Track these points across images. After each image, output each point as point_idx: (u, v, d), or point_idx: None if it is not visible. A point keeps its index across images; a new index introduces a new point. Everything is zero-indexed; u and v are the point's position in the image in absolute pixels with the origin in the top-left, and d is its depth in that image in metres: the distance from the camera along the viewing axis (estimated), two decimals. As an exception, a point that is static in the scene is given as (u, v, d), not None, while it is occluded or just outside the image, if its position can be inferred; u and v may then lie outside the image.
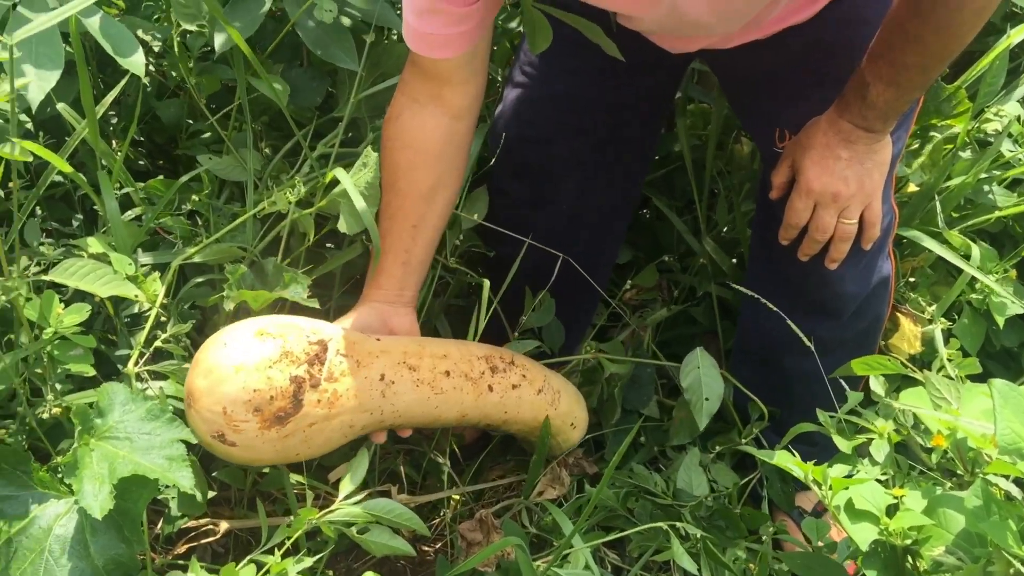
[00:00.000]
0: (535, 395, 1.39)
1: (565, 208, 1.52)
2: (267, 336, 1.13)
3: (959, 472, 1.08)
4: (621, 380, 1.62)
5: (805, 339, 1.25)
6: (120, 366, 1.26)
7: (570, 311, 1.60)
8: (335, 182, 1.31)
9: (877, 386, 1.24)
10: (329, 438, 1.17)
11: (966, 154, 1.61)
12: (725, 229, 1.78)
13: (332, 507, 1.19)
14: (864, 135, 1.24)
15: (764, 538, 1.28)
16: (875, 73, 1.18)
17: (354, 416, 1.19)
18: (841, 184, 1.26)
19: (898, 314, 1.69)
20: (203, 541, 1.33)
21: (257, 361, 1.10)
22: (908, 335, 1.69)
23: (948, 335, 1.59)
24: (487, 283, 1.42)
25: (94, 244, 1.19)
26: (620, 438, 1.60)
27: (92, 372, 1.13)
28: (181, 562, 1.28)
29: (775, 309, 1.28)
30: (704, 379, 1.44)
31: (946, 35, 1.12)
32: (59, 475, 1.08)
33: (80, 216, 1.41)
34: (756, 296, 1.29)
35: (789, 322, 1.26)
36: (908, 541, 0.97)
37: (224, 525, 1.32)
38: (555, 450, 1.50)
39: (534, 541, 1.45)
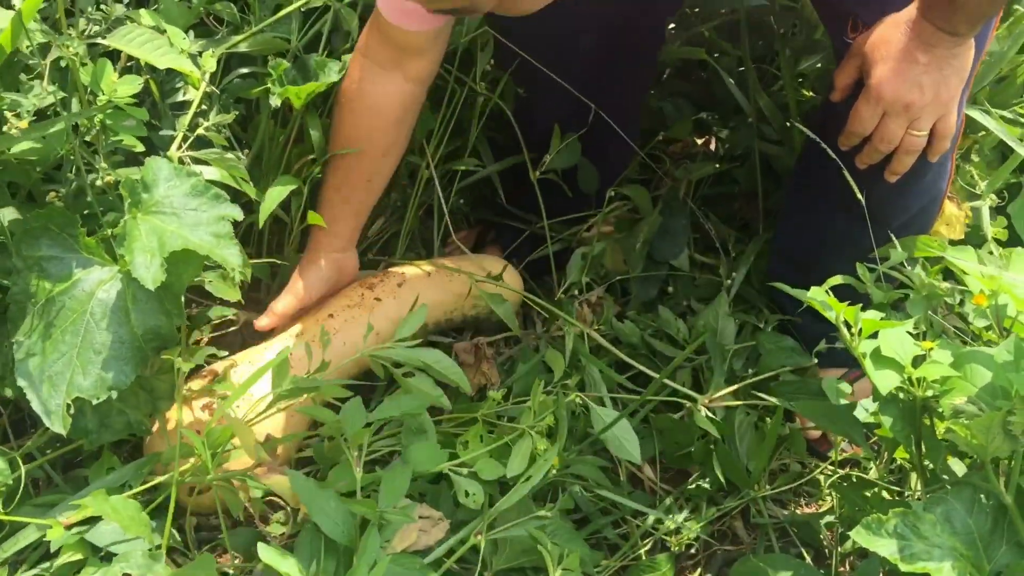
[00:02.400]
0: (431, 278, 1.46)
1: (588, 60, 1.47)
2: None
3: (993, 342, 1.08)
4: (650, 228, 1.61)
5: (858, 194, 1.19)
6: (162, 152, 1.25)
7: (599, 161, 1.59)
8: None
9: (918, 268, 1.21)
10: None
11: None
12: (783, 90, 1.72)
13: (387, 345, 1.19)
14: (947, 38, 1.13)
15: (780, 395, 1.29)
16: None
17: None
18: (916, 92, 1.15)
19: (944, 198, 1.65)
20: (228, 331, 1.37)
21: None
22: (951, 219, 1.65)
23: (996, 215, 1.55)
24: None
25: (147, 17, 1.16)
26: (646, 285, 1.60)
27: (141, 147, 1.13)
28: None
29: (834, 158, 1.21)
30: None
31: None
32: (102, 244, 1.09)
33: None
34: (816, 139, 1.22)
35: (847, 175, 1.19)
36: (929, 393, 0.98)
37: (243, 317, 1.38)
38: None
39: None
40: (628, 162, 1.68)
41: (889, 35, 1.16)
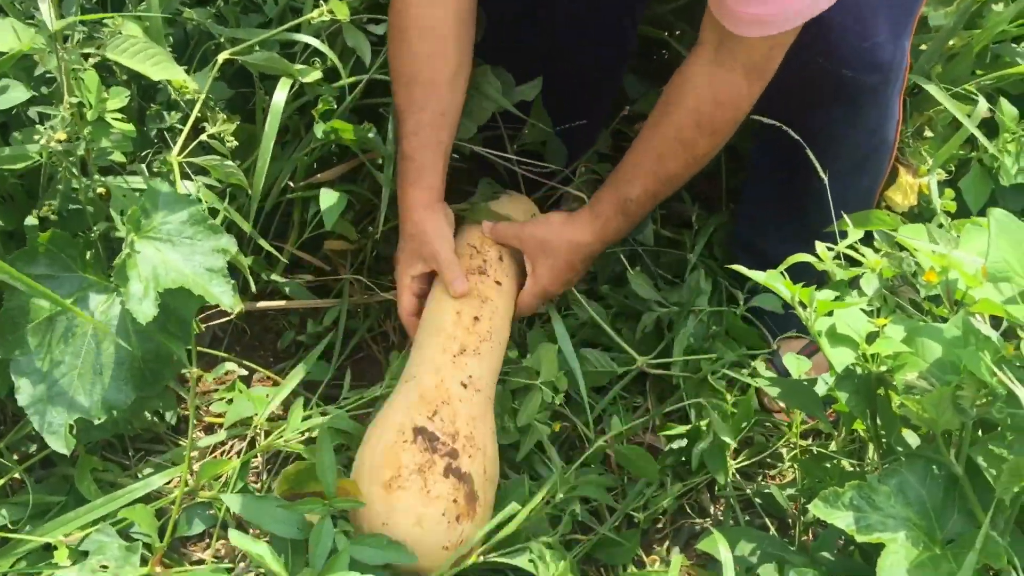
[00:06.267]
0: None
1: (561, 26, 1.46)
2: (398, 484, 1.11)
3: (945, 316, 1.10)
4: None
5: (821, 171, 1.22)
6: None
7: (568, 134, 1.59)
8: None
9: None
10: None
11: (999, 7, 1.55)
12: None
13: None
14: None
15: (753, 364, 1.31)
16: None
17: None
18: None
19: (897, 164, 1.68)
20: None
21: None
22: (904, 187, 1.68)
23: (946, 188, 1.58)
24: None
25: (131, 27, 1.12)
26: (611, 259, 1.61)
27: (124, 160, 1.12)
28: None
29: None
30: None
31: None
32: (98, 263, 1.09)
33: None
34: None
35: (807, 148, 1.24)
36: (883, 368, 1.01)
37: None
38: None
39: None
40: (595, 138, 1.69)
41: None
